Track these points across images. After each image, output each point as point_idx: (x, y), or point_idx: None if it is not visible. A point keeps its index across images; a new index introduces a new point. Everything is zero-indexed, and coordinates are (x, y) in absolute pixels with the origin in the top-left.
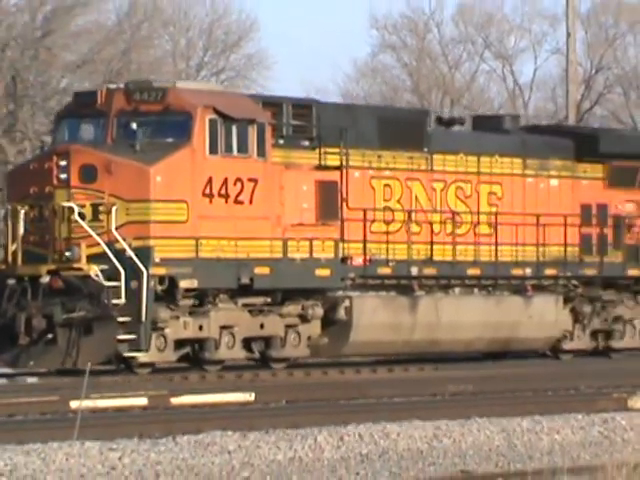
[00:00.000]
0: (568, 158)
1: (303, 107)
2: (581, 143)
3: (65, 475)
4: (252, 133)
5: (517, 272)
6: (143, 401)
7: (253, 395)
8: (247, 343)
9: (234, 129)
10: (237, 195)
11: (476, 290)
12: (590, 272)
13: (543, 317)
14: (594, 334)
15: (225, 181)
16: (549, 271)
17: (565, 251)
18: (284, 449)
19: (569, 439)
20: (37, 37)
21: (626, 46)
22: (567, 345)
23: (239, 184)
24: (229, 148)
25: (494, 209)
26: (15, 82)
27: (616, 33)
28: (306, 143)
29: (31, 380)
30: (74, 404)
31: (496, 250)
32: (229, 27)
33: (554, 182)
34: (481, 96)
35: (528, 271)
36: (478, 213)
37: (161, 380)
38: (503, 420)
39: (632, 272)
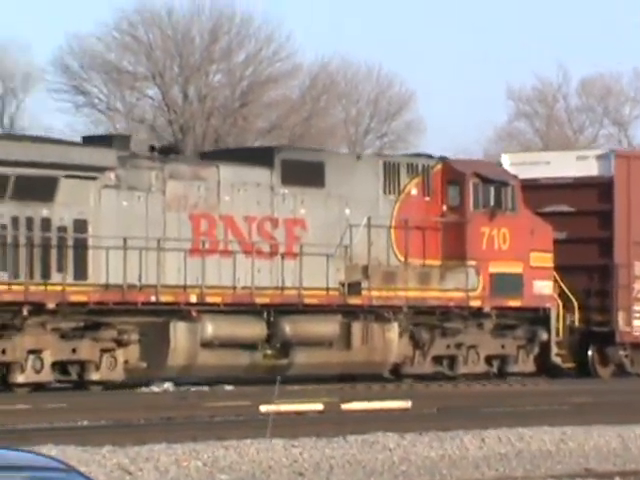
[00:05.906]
0: None
1: None
2: None
3: (256, 466)
4: None
5: None
6: (319, 407)
7: (410, 403)
8: None
9: None
10: None
11: None
12: None
13: None
14: None
15: None
16: None
17: None
18: (436, 448)
19: None
20: (236, 107)
21: None
22: None
23: None
24: None
25: None
26: (217, 144)
27: None
28: None
29: (228, 388)
30: (263, 408)
31: None
32: (391, 98)
33: None
34: None
35: None
36: None
37: (333, 390)
38: (619, 427)
39: None
